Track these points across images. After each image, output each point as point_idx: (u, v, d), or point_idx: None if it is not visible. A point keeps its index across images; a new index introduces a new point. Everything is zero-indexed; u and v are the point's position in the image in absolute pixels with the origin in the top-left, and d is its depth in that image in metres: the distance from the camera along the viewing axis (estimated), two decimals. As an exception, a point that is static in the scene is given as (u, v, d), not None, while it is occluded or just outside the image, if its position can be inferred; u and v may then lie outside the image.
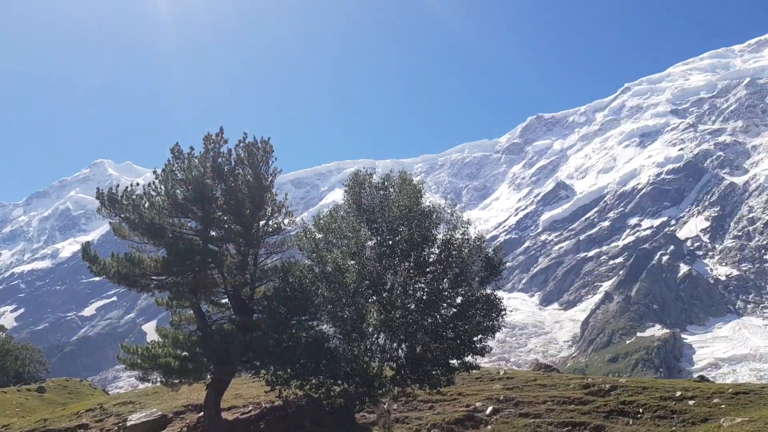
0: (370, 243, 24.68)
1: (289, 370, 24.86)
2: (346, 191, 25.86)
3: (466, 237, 24.65)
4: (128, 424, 28.56)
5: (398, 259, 24.03)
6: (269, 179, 27.34)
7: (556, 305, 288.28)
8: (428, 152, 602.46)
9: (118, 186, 26.41)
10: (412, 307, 23.58)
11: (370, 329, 23.99)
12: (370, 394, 23.61)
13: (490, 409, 28.47)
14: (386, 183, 25.47)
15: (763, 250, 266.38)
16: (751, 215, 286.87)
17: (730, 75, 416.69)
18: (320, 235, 25.62)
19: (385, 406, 25.28)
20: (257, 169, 27.03)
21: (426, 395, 28.92)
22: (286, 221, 28.26)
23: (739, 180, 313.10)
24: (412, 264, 24.06)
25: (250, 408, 30.12)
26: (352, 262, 23.94)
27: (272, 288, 27.36)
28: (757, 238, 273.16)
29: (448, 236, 24.55)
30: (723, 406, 28.09)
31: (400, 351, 24.55)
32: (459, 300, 24.36)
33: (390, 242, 24.20)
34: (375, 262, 23.95)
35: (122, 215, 25.13)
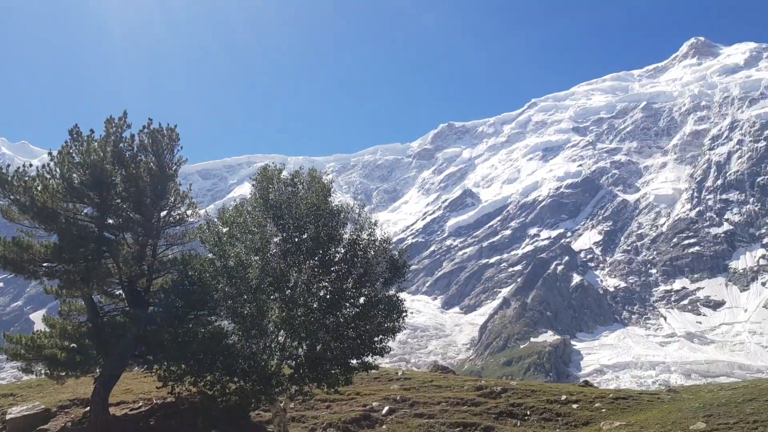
0: (275, 239, 24.38)
1: (183, 366, 24.12)
2: (253, 185, 25.40)
3: (373, 238, 24.84)
4: (7, 417, 26.71)
5: (303, 257, 23.89)
6: (173, 168, 26.38)
7: (457, 309, 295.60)
8: (341, 152, 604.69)
9: (9, 166, 24.66)
10: (315, 305, 23.50)
11: (270, 326, 23.68)
12: (267, 392, 23.30)
13: (386, 409, 28.87)
14: (295, 180, 25.24)
15: (648, 265, 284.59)
16: (639, 231, 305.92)
17: (628, 98, 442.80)
18: (224, 229, 25.01)
19: (282, 405, 25.03)
20: (161, 157, 25.99)
21: (324, 394, 28.91)
22: (189, 212, 27.34)
23: (631, 198, 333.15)
24: (317, 262, 23.99)
25: (140, 404, 28.98)
26: (256, 257, 23.55)
27: (170, 281, 26.43)
28: (644, 253, 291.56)
29: (355, 236, 24.66)
30: (604, 410, 29.82)
31: (300, 349, 24.40)
32: (362, 300, 24.52)
33: (296, 239, 24.00)
34: (279, 259, 23.70)
35: (12, 197, 23.50)
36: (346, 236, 24.84)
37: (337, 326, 23.99)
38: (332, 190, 25.57)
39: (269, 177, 24.95)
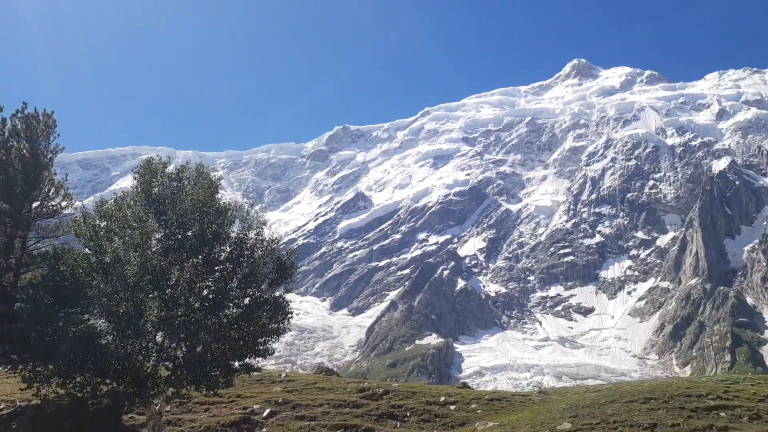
0: (157, 235, 23.46)
1: (50, 367, 22.68)
2: (135, 178, 24.29)
3: (261, 237, 24.49)
4: None
5: (186, 255, 23.13)
6: (49, 156, 24.84)
7: (345, 311, 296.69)
8: (234, 148, 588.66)
9: None
10: (197, 305, 22.82)
11: (148, 326, 22.74)
12: (141, 395, 22.33)
13: (267, 411, 28.51)
14: (181, 174, 24.39)
15: (528, 272, 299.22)
16: (520, 240, 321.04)
17: (514, 112, 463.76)
18: (102, 223, 23.74)
19: (157, 408, 24.09)
20: (35, 144, 24.41)
21: (202, 397, 28.11)
22: (64, 204, 25.81)
23: (514, 207, 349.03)
24: (200, 261, 23.31)
25: (2, 407, 26.97)
26: (135, 254, 22.56)
27: (40, 276, 24.79)
28: (523, 261, 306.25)
29: (242, 235, 24.21)
30: (479, 411, 31.01)
31: (178, 350, 23.60)
32: (246, 301, 24.09)
33: (179, 236, 23.19)
34: (160, 256, 22.82)
35: None
36: (233, 235, 24.32)
37: (219, 327, 23.40)
38: (221, 186, 24.99)
39: (153, 170, 23.96)
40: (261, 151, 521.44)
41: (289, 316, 25.00)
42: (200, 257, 23.35)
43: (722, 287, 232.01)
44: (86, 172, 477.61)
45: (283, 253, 25.45)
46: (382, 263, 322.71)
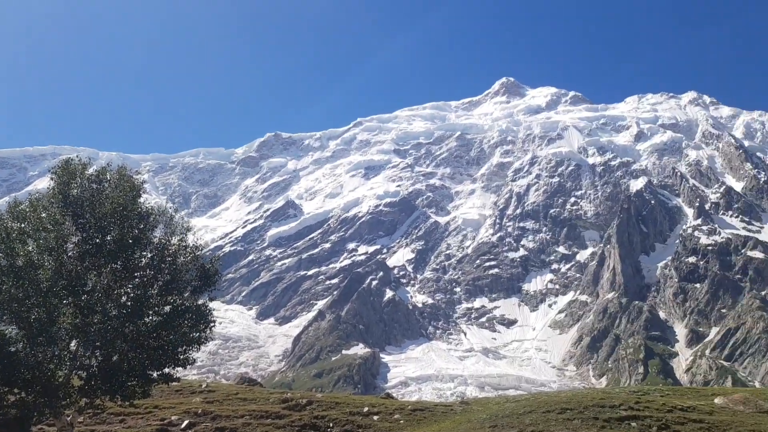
0: (73, 239, 22.53)
1: (-49, 376, 21.31)
2: (52, 179, 23.28)
3: (184, 243, 23.93)
4: None
5: (104, 260, 22.30)
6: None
7: (272, 320, 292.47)
8: (160, 151, 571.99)
9: None
10: (114, 312, 22.03)
11: (61, 333, 21.75)
12: (51, 405, 21.32)
13: (185, 423, 27.75)
14: (102, 176, 23.52)
15: (454, 283, 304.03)
16: (448, 252, 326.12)
17: (445, 126, 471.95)
18: (16, 225, 22.61)
19: (69, 419, 23.06)
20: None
21: (117, 408, 27.13)
22: (-28, 204, 24.38)
23: (442, 220, 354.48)
24: (119, 266, 22.54)
25: None
26: (50, 257, 21.59)
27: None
28: (450, 273, 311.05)
29: (164, 241, 23.58)
30: (402, 421, 31.27)
31: (93, 359, 22.69)
32: (167, 309, 23.45)
33: (97, 241, 22.35)
34: (76, 261, 21.91)
35: None
36: (155, 240, 23.66)
37: (137, 335, 22.64)
38: (144, 190, 24.30)
39: (72, 171, 23.01)
40: (189, 155, 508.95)
41: (212, 324, 24.51)
42: (119, 263, 22.58)
43: (637, 301, 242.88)
44: (2, 171, 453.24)
45: (208, 260, 24.95)
46: (310, 272, 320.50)
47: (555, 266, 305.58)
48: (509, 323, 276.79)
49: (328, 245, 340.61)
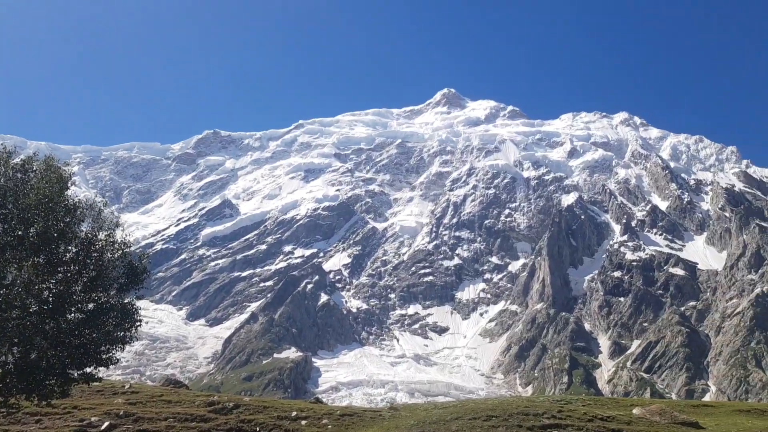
0: (-7, 230, 21.52)
1: None
2: (-27, 167, 22.19)
3: (112, 239, 23.22)
4: None
5: (26, 253, 21.40)
6: None
7: (202, 321, 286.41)
8: (93, 143, 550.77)
9: None
10: (35, 308, 21.15)
11: (-25, 329, 20.71)
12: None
13: (106, 424, 26.86)
14: (27, 166, 22.60)
15: (389, 289, 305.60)
16: (384, 258, 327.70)
17: (386, 133, 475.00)
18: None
19: (-22, 419, 21.96)
20: None
21: (34, 407, 26.01)
22: None
23: (380, 226, 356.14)
24: (42, 260, 21.68)
25: None
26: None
27: None
28: (386, 279, 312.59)
29: (91, 236, 22.82)
30: (330, 426, 31.21)
31: (8, 356, 21.68)
32: (91, 306, 22.69)
33: (19, 232, 21.44)
34: (-5, 253, 20.95)
35: None
36: (81, 235, 22.86)
37: (58, 332, 21.79)
38: (73, 182, 23.45)
39: (-6, 160, 22.04)
40: (123, 148, 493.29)
41: (138, 323, 23.86)
42: (42, 256, 21.69)
43: (564, 313, 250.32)
44: None
45: (136, 257, 24.29)
46: (244, 274, 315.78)
47: (488, 276, 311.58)
48: (441, 330, 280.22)
49: (263, 247, 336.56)
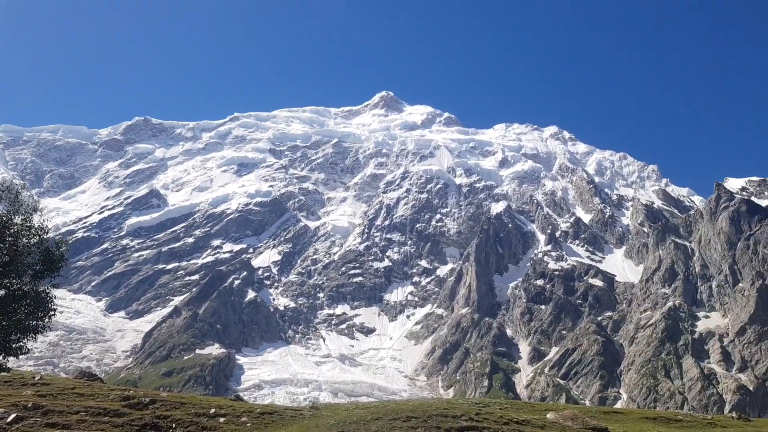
0: None
1: None
2: None
3: (28, 224, 22.36)
4: None
5: (-67, 235, 20.38)
6: None
7: (123, 313, 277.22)
8: (14, 123, 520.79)
9: None
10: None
11: None
12: None
13: (12, 417, 25.73)
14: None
15: (318, 288, 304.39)
16: (315, 257, 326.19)
17: (323, 132, 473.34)
18: None
19: None
20: None
21: (-68, 397, 24.67)
22: None
23: (312, 224, 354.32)
24: (-50, 243, 20.67)
25: None
26: None
27: None
28: (315, 278, 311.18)
29: (6, 219, 21.91)
30: (249, 424, 30.95)
31: None
32: (2, 292, 21.77)
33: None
34: None
35: None
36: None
37: (-36, 319, 20.85)
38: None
39: None
40: (47, 130, 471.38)
41: (52, 313, 23.05)
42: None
43: (488, 318, 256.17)
44: None
45: (54, 243, 23.44)
46: (170, 266, 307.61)
47: (416, 279, 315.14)
48: (368, 331, 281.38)
49: (191, 240, 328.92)
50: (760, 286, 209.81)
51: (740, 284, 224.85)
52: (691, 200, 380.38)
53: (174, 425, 28.63)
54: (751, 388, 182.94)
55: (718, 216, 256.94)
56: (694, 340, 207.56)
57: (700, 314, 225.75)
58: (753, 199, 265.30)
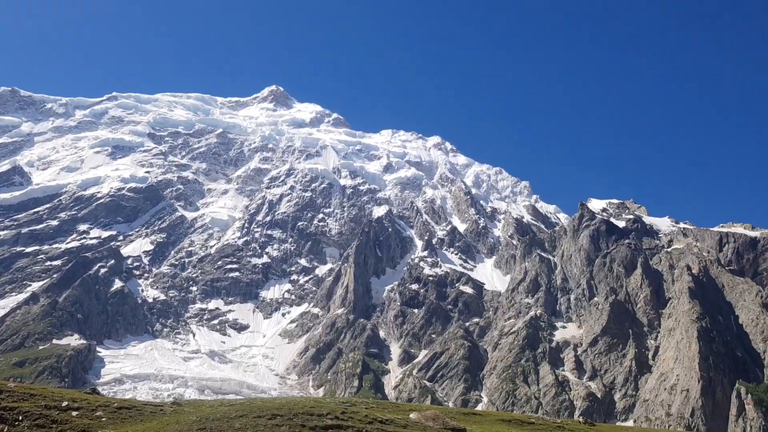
0: None
1: None
2: None
3: None
4: None
5: None
6: None
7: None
8: None
9: None
10: None
11: None
12: None
13: None
14: None
15: (191, 282, 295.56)
16: (190, 249, 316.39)
17: (207, 120, 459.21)
18: None
19: None
20: None
21: None
22: None
23: (190, 215, 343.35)
24: None
25: None
26: None
27: None
28: (189, 270, 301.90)
29: None
30: (104, 419, 30.74)
31: None
32: None
33: None
34: None
35: None
36: None
37: None
38: None
39: None
40: None
41: None
42: None
43: (362, 319, 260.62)
44: None
45: None
46: (29, 249, 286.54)
47: (294, 277, 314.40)
48: (241, 328, 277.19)
49: (55, 223, 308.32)
50: (613, 300, 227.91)
51: (595, 298, 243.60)
52: (558, 217, 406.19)
53: (21, 417, 27.88)
54: (599, 396, 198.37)
55: (580, 233, 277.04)
56: (552, 349, 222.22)
57: (558, 324, 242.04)
58: (612, 220, 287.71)
